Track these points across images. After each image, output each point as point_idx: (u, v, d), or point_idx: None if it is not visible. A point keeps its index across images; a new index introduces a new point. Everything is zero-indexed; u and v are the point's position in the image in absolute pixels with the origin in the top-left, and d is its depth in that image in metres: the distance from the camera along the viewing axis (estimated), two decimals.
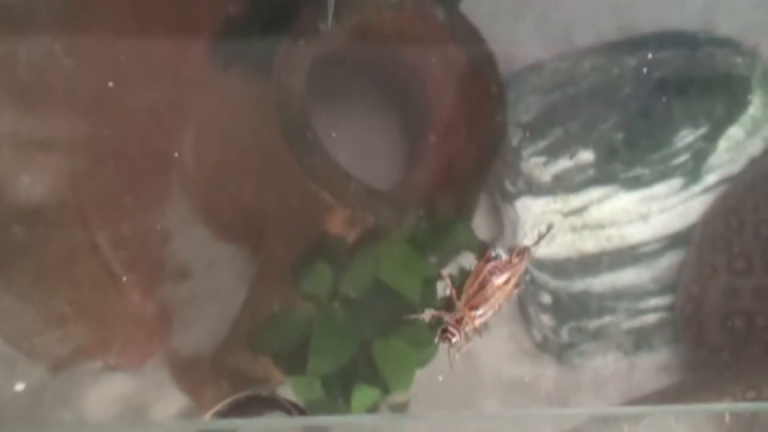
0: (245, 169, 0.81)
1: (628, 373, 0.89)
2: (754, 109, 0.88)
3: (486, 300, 0.68)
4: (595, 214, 0.88)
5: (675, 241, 0.88)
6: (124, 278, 0.80)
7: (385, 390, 0.82)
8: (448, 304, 0.70)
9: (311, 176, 0.77)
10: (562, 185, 0.87)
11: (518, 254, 0.70)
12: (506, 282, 0.69)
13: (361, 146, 0.80)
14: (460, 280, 0.71)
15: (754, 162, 0.88)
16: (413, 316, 0.76)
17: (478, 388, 0.88)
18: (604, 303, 0.88)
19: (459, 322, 0.67)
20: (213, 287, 0.83)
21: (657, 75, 0.88)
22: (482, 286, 0.69)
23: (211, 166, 0.81)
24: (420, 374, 0.82)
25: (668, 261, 0.88)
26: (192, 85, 0.81)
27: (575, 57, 0.89)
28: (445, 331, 0.67)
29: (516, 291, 0.71)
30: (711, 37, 0.90)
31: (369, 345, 0.81)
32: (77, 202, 0.79)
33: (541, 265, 0.87)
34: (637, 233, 0.88)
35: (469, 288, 0.69)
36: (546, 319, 0.87)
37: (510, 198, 0.87)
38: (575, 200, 0.87)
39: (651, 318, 0.88)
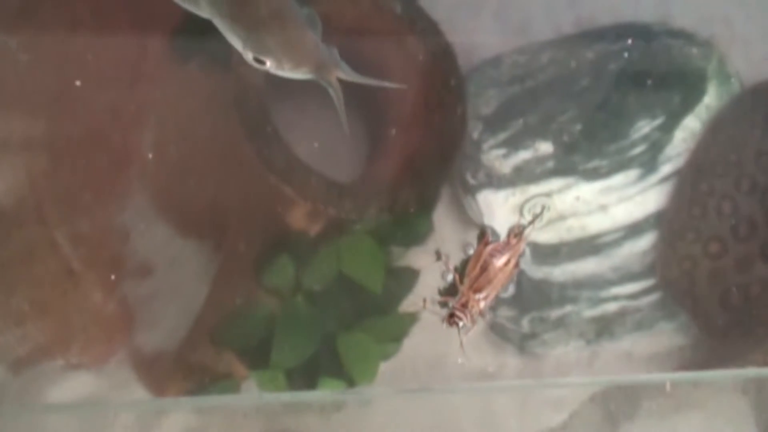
0: (206, 164, 0.81)
1: (590, 361, 0.90)
2: (709, 99, 0.90)
3: (489, 282, 0.70)
4: (556, 205, 0.88)
5: (634, 230, 0.89)
6: (84, 276, 0.79)
7: (350, 383, 0.82)
8: (452, 289, 0.72)
9: (272, 170, 0.77)
10: (523, 177, 0.87)
11: (515, 235, 0.72)
12: (507, 263, 0.71)
13: (321, 140, 0.80)
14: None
15: (696, 148, 0.89)
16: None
17: (441, 381, 0.88)
18: (565, 292, 0.89)
19: (465, 305, 0.69)
20: (175, 283, 0.82)
21: (614, 67, 0.89)
22: (484, 269, 0.71)
23: (171, 162, 0.81)
24: (384, 367, 0.83)
25: (628, 250, 0.90)
26: (151, 81, 0.80)
27: (534, 50, 0.90)
28: (452, 315, 0.69)
29: (516, 271, 0.72)
30: (666, 29, 0.91)
31: (333, 338, 0.82)
32: (35, 200, 0.78)
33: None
34: (597, 223, 0.89)
35: (471, 271, 0.71)
36: (506, 309, 0.88)
37: (472, 190, 0.88)
38: (535, 192, 0.88)
39: (612, 306, 0.90)
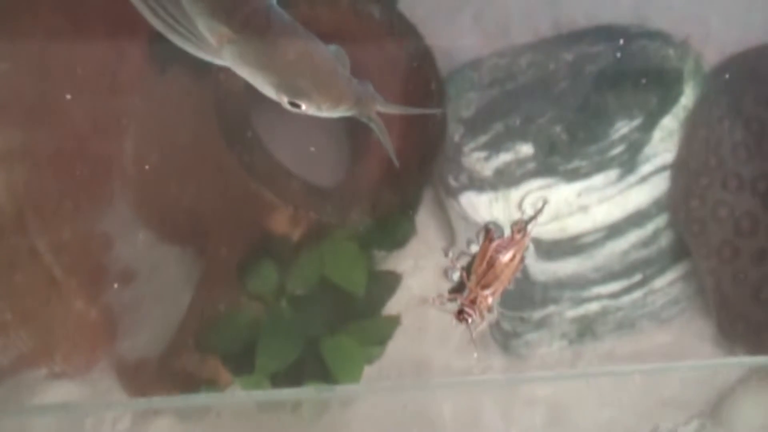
0: (187, 170, 0.81)
1: (574, 361, 0.91)
2: (686, 99, 0.90)
3: (496, 278, 0.72)
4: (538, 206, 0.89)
5: (614, 230, 0.90)
6: (66, 284, 0.79)
7: None
8: (459, 286, 0.73)
9: (253, 175, 0.77)
10: (504, 179, 0.88)
11: (519, 230, 0.72)
12: (512, 258, 0.72)
13: (302, 144, 0.81)
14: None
15: (677, 165, 0.90)
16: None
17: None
18: (548, 293, 0.89)
19: (473, 302, 0.71)
20: (158, 290, 0.82)
21: (592, 69, 0.90)
22: (491, 265, 0.72)
23: (152, 169, 0.80)
24: (368, 370, 0.83)
25: (609, 250, 0.90)
26: (130, 88, 0.80)
27: (513, 53, 0.90)
28: (461, 312, 0.71)
29: (521, 266, 0.73)
30: (643, 31, 0.92)
31: (317, 342, 0.82)
32: (16, 209, 0.78)
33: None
34: (578, 224, 0.90)
35: (478, 268, 0.72)
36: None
37: (454, 193, 0.88)
38: (516, 194, 0.88)
39: (594, 306, 0.90)
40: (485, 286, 0.71)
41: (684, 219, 0.88)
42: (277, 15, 0.62)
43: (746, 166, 0.88)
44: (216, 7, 0.62)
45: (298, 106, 0.60)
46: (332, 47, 0.62)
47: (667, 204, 0.90)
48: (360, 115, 0.61)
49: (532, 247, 0.88)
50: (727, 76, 0.90)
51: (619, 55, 0.91)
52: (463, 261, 0.76)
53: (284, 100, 0.61)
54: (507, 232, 0.74)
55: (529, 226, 0.74)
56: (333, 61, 0.61)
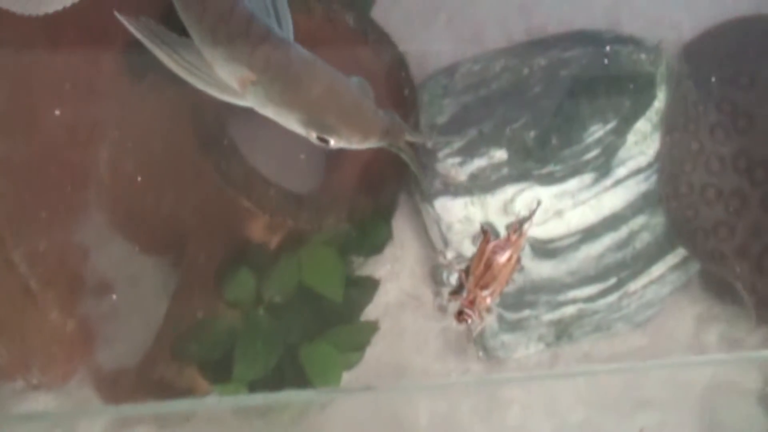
0: (163, 178, 0.81)
1: (551, 363, 0.92)
2: (659, 103, 0.92)
3: (494, 278, 0.73)
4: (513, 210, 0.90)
5: (589, 234, 0.91)
6: (42, 295, 0.79)
7: None
8: (458, 288, 0.74)
9: (229, 183, 0.77)
10: (479, 184, 0.88)
11: (515, 231, 0.73)
12: (509, 259, 0.73)
13: (278, 151, 0.81)
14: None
15: (661, 162, 0.91)
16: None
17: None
18: (524, 297, 0.90)
19: (472, 303, 0.72)
20: (136, 300, 0.82)
21: (566, 73, 0.91)
22: (488, 266, 0.73)
23: (128, 178, 0.80)
24: (347, 377, 0.83)
25: (584, 254, 0.91)
26: (106, 97, 0.80)
27: (486, 59, 0.91)
28: (461, 313, 0.72)
29: (518, 266, 0.74)
30: (616, 36, 0.93)
31: (295, 350, 0.82)
32: None
33: (461, 261, 0.89)
34: (553, 228, 0.90)
35: (476, 269, 0.73)
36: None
37: (429, 198, 0.88)
38: (491, 199, 0.89)
39: (570, 310, 0.91)
40: (483, 287, 0.72)
41: (676, 207, 0.89)
42: (297, 52, 0.62)
43: (725, 147, 0.89)
44: (235, 51, 0.61)
45: (326, 142, 0.60)
46: (355, 79, 0.62)
47: (648, 202, 0.91)
48: (390, 146, 0.61)
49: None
50: (693, 61, 0.91)
51: (592, 60, 0.91)
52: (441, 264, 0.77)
53: (313, 136, 0.61)
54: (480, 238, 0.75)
55: (525, 226, 0.75)
56: (358, 94, 0.61)
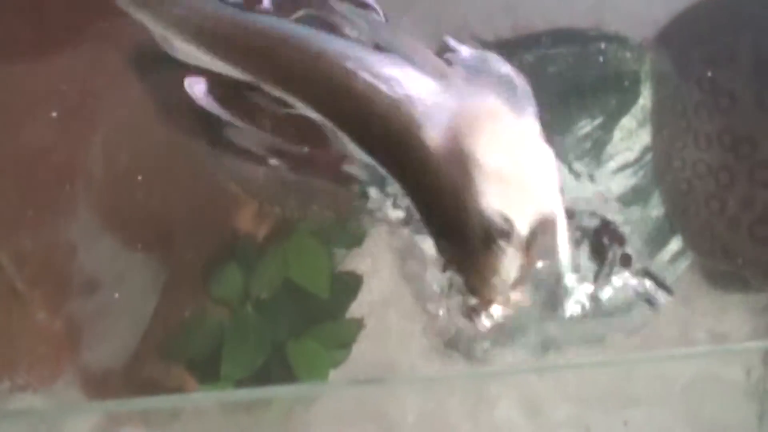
0: (152, 174, 0.81)
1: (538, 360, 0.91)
2: (643, 100, 0.92)
3: None
4: None
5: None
6: (29, 295, 0.79)
7: None
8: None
9: (219, 167, 0.77)
10: None
11: None
12: None
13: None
14: None
15: (653, 149, 0.91)
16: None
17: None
18: None
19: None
20: (123, 298, 0.81)
21: (553, 70, 0.91)
22: None
23: (116, 174, 0.80)
24: (334, 374, 0.83)
25: None
26: (98, 94, 0.80)
27: None
28: (473, 309, 0.71)
29: None
30: (601, 34, 0.93)
31: (283, 347, 0.82)
32: None
33: None
34: None
35: None
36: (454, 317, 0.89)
37: None
38: None
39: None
40: None
41: (671, 180, 0.89)
42: None
43: (709, 124, 0.89)
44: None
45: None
46: None
47: (637, 197, 0.91)
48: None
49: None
50: (672, 44, 0.92)
51: (578, 57, 0.92)
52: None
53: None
54: None
55: None
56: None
